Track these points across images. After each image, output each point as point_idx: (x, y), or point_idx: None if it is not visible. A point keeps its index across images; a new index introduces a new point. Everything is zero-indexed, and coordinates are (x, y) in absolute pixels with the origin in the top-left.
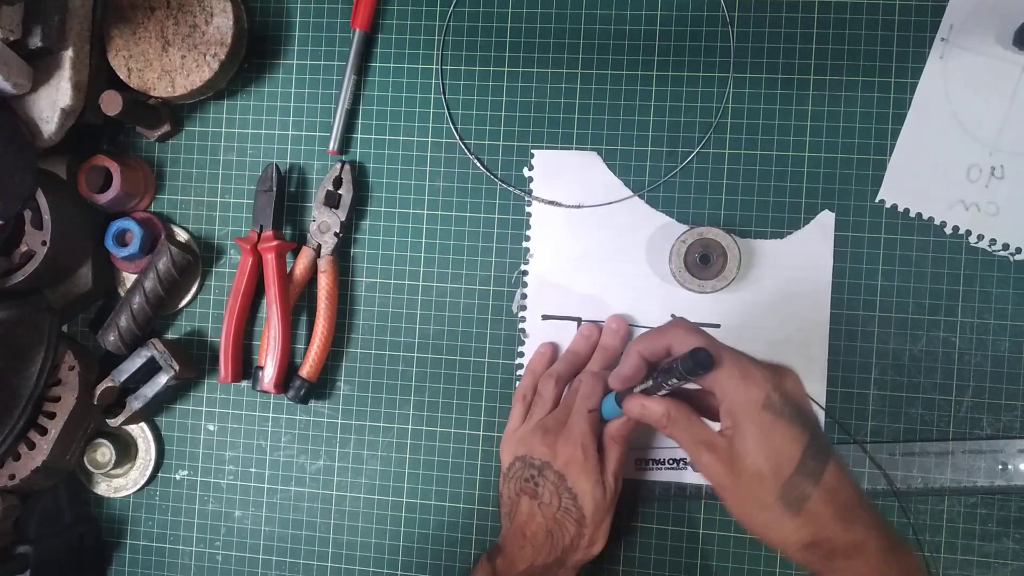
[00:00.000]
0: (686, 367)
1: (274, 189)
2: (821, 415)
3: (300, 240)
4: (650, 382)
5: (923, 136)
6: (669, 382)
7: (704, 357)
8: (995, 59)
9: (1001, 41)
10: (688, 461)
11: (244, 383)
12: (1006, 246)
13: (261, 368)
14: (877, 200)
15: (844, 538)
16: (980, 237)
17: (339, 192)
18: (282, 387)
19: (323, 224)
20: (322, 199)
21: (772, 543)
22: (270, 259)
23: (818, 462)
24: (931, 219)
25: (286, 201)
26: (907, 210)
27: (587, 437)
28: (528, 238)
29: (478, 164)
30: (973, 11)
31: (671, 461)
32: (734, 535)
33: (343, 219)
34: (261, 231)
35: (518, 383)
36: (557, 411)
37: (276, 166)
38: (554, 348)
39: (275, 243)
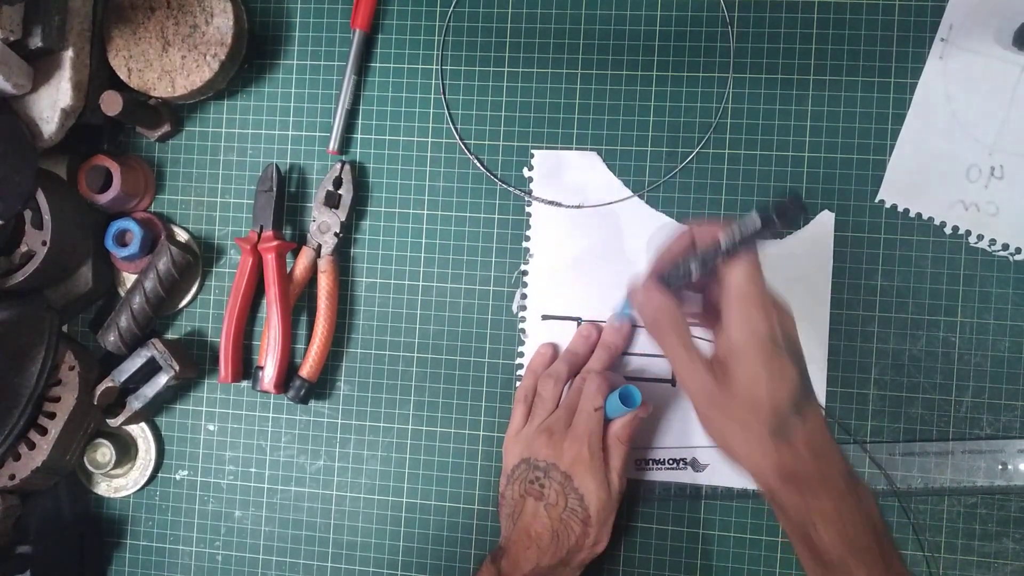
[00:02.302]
0: (783, 210)
1: (274, 189)
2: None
3: (300, 240)
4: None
5: (923, 136)
6: (702, 264)
7: (732, 245)
8: (995, 59)
9: (1001, 41)
10: (688, 461)
11: (244, 383)
12: (1006, 246)
13: (261, 368)
14: (877, 200)
15: (817, 474)
16: (980, 237)
17: (339, 192)
18: (282, 387)
19: (323, 224)
20: (322, 199)
21: (748, 465)
22: (270, 259)
23: (807, 400)
24: (931, 219)
25: (286, 201)
26: (907, 210)
27: (593, 437)
28: (528, 238)
29: (478, 164)
30: (972, 11)
31: (671, 461)
32: (734, 535)
33: (343, 219)
34: (261, 231)
35: (519, 384)
36: (559, 412)
37: (276, 166)
38: (554, 348)
39: (275, 243)
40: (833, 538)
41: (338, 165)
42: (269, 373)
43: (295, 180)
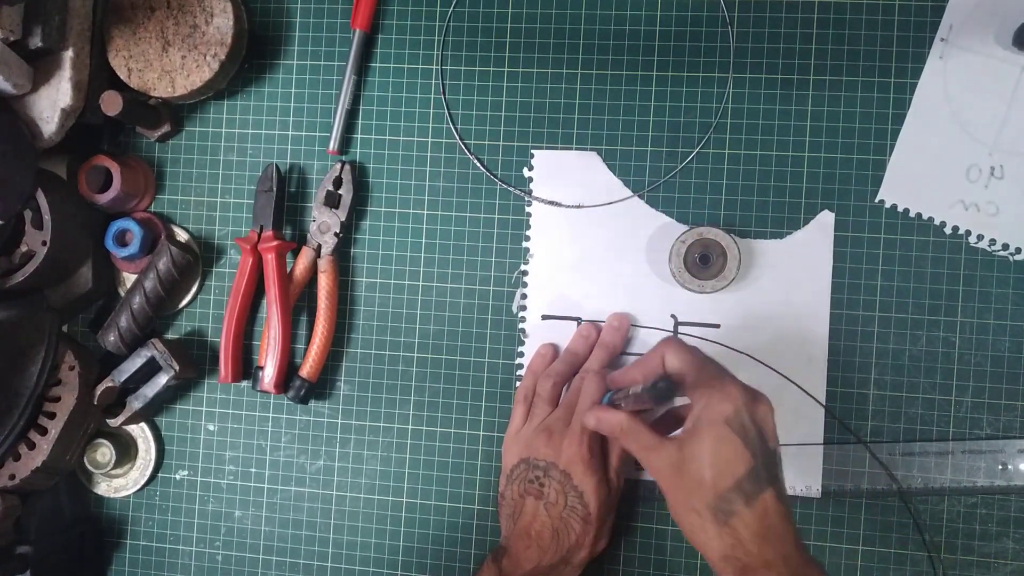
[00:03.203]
0: (652, 394)
1: (274, 189)
2: (821, 414)
3: (300, 240)
4: (629, 392)
5: (923, 136)
6: (642, 397)
7: (664, 388)
8: (995, 59)
9: (1001, 41)
10: None
11: (244, 383)
12: (1006, 246)
13: (261, 368)
14: (877, 200)
15: (759, 560)
16: (980, 237)
17: (339, 192)
18: (282, 387)
19: (323, 224)
20: (322, 199)
21: (695, 545)
22: (270, 259)
23: (757, 486)
24: (931, 219)
25: (286, 201)
26: (907, 210)
27: (591, 435)
28: (528, 238)
29: (478, 164)
30: (973, 11)
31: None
32: None
33: (343, 219)
34: (261, 231)
35: (519, 384)
36: (558, 411)
37: (276, 166)
38: (554, 349)
39: (275, 243)
40: None
41: (338, 165)
42: (269, 373)
43: (295, 180)
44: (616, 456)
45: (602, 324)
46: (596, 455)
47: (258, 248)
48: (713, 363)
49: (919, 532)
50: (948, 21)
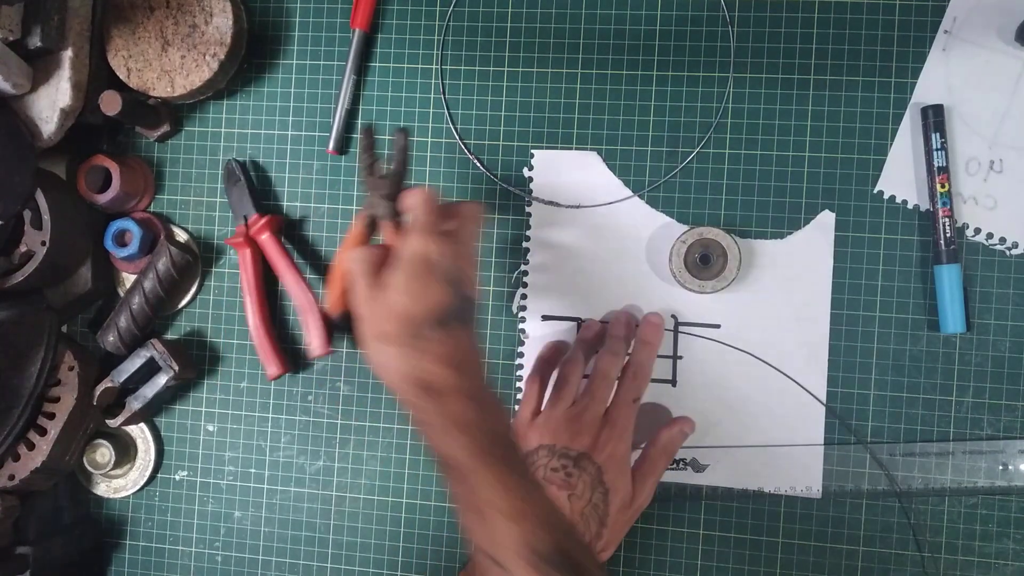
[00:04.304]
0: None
1: (242, 178)
2: (821, 414)
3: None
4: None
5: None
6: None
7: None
8: (997, 53)
9: (1003, 36)
10: (688, 461)
11: (244, 384)
12: (1003, 240)
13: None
14: (876, 191)
15: (446, 384)
16: (977, 231)
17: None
18: (330, 341)
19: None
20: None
21: (377, 371)
22: (266, 238)
23: (454, 324)
24: (928, 211)
25: (257, 187)
26: (905, 201)
27: (631, 432)
28: (528, 238)
29: (478, 164)
30: (976, 5)
31: (671, 461)
32: (734, 535)
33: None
34: (246, 220)
35: (526, 377)
36: (591, 401)
37: (234, 160)
38: (564, 344)
39: (265, 220)
40: (462, 444)
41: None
42: (315, 342)
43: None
44: (660, 470)
45: (600, 322)
46: (629, 454)
47: (251, 236)
48: (438, 218)
49: (917, 533)
50: (952, 13)
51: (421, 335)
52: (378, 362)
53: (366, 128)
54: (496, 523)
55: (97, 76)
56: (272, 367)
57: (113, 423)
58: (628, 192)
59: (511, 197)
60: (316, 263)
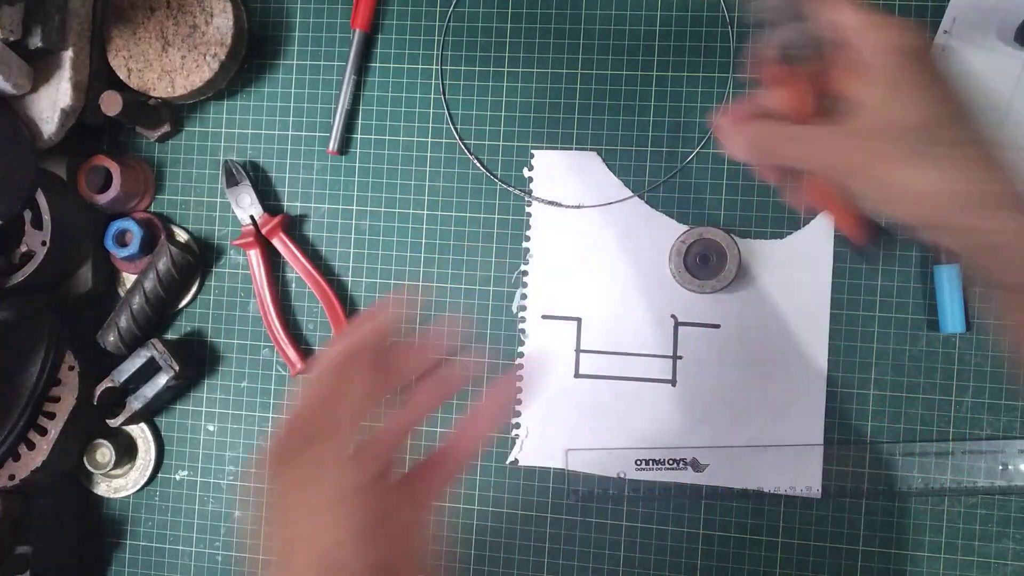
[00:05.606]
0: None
1: (246, 178)
2: (822, 412)
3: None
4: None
5: None
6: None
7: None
8: (997, 54)
9: (1003, 37)
10: (688, 461)
11: (243, 384)
12: None
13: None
14: None
15: (1000, 188)
16: None
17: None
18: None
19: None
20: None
21: (919, 198)
22: (281, 238)
23: (961, 119)
24: None
25: (258, 187)
26: None
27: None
28: (528, 238)
29: (478, 164)
30: (976, 5)
31: (671, 461)
32: (734, 535)
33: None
34: (254, 221)
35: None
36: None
37: (232, 161)
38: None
39: (277, 219)
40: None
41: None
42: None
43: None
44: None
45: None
46: None
47: (264, 234)
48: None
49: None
50: (951, 14)
51: (939, 140)
52: (916, 189)
53: None
54: None
55: (97, 76)
56: (296, 363)
57: (113, 423)
58: (628, 192)
59: (511, 197)
60: (319, 262)
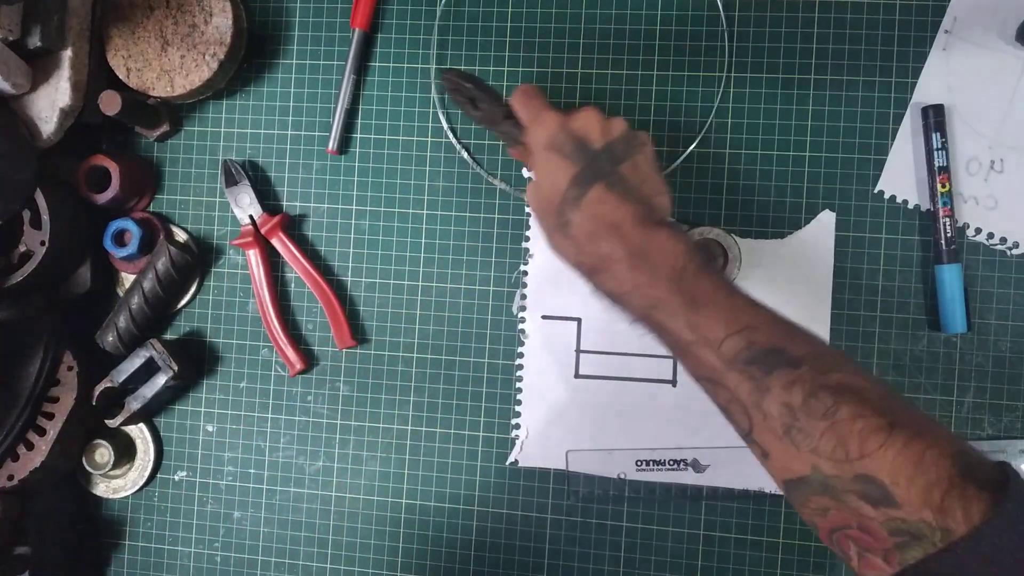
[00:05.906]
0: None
1: (245, 178)
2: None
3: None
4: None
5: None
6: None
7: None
8: (997, 53)
9: (1003, 36)
10: (688, 462)
11: (243, 384)
12: (1004, 240)
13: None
14: (876, 191)
15: (594, 255)
16: (978, 231)
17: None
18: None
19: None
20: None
21: (563, 261)
22: (280, 238)
23: (581, 189)
24: (929, 211)
25: (257, 187)
26: (905, 201)
27: None
28: (528, 238)
29: (477, 165)
30: (977, 4)
31: (671, 462)
32: (734, 535)
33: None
34: (253, 221)
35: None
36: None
37: (231, 160)
38: None
39: (277, 219)
40: (635, 303)
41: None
42: (345, 336)
43: (251, 167)
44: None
45: None
46: None
47: (263, 234)
48: (543, 106)
49: None
50: (952, 13)
51: (568, 222)
52: (559, 255)
53: (445, 74)
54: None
55: (97, 76)
56: (295, 364)
57: (112, 423)
58: None
59: (511, 197)
60: (318, 262)
